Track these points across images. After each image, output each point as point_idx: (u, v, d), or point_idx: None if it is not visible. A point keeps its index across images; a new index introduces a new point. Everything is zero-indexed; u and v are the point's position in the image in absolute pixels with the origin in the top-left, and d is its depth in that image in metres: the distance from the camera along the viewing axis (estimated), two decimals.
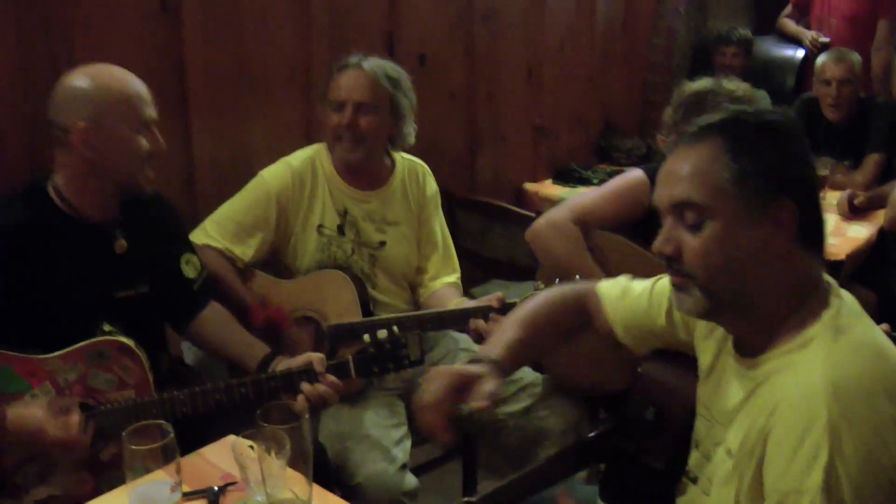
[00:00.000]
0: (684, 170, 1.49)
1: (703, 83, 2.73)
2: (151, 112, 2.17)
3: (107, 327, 2.17)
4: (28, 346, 2.07)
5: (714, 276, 1.48)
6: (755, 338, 1.51)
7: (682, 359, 1.75)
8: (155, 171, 2.21)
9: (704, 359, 1.67)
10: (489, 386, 1.68)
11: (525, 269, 3.53)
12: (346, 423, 2.49)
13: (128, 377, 2.12)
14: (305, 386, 2.17)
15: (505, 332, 1.87)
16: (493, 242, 3.62)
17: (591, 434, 1.83)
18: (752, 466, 1.43)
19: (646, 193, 2.76)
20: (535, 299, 1.95)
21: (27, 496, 2.04)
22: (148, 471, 1.60)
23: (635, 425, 1.74)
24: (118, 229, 2.23)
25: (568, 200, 3.00)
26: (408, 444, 2.55)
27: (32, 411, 1.98)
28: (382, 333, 2.24)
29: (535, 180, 4.40)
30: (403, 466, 2.46)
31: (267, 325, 2.54)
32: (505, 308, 2.51)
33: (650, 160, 4.50)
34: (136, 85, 2.16)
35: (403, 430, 2.58)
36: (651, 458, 1.70)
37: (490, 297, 2.59)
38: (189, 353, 2.71)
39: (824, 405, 1.32)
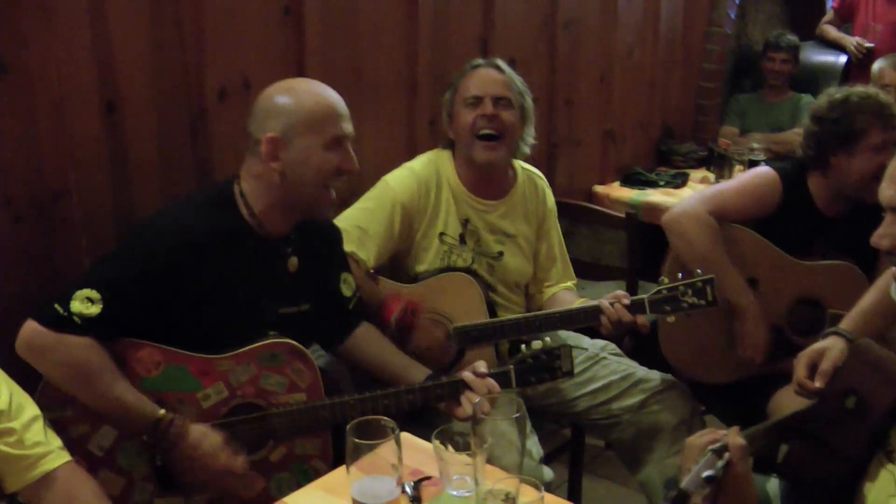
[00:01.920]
0: None
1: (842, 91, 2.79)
2: (345, 128, 2.17)
3: (272, 334, 2.20)
4: (195, 347, 2.11)
5: None
6: None
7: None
8: (338, 191, 2.22)
9: None
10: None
11: (609, 269, 3.61)
12: None
13: (299, 380, 2.16)
14: (469, 394, 2.21)
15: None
16: (577, 244, 3.67)
17: (796, 413, 1.86)
18: None
19: (776, 192, 2.82)
20: None
21: (198, 495, 2.10)
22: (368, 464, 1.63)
23: (833, 412, 1.78)
24: (292, 247, 2.26)
25: (702, 191, 3.05)
26: (535, 438, 2.60)
27: (211, 435, 2.04)
28: (537, 344, 2.30)
29: (603, 183, 4.46)
30: (541, 460, 2.52)
31: (402, 316, 2.56)
32: (638, 305, 2.56)
33: (710, 163, 4.59)
34: (330, 100, 2.18)
35: (529, 425, 2.62)
36: (847, 445, 1.74)
37: (608, 295, 2.62)
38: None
39: None
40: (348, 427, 1.65)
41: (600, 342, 2.92)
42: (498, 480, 1.66)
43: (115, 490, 2.05)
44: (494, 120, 2.66)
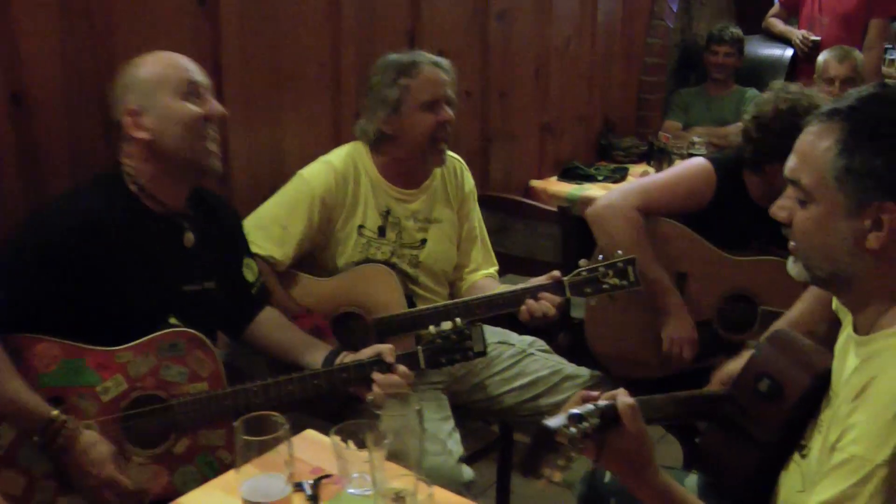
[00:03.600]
0: (802, 149, 1.54)
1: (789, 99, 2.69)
2: (197, 77, 2.16)
3: (173, 320, 2.16)
4: (94, 337, 2.06)
5: (809, 254, 1.56)
6: (864, 318, 1.55)
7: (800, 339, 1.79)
8: (217, 144, 2.19)
9: (842, 331, 1.71)
10: None
11: (544, 264, 3.55)
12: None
13: (201, 369, 2.12)
14: (378, 376, 2.18)
15: None
16: (511, 238, 3.64)
17: (705, 391, 1.84)
18: (837, 431, 1.46)
19: (710, 184, 2.79)
20: None
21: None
22: (257, 462, 1.59)
23: (747, 395, 1.76)
24: (187, 222, 2.23)
25: (629, 184, 3.03)
26: (457, 436, 2.57)
27: (103, 445, 1.99)
28: (447, 325, 2.27)
29: (541, 177, 4.43)
30: (460, 459, 2.48)
31: (312, 333, 2.53)
32: (557, 287, 2.53)
33: (650, 158, 4.58)
34: (172, 57, 2.18)
35: (451, 423, 2.60)
36: (756, 428, 1.72)
37: (544, 276, 2.60)
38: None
39: None
40: (236, 424, 1.61)
41: (528, 338, 2.89)
42: (393, 478, 1.63)
43: (17, 489, 1.99)
44: (449, 125, 2.68)
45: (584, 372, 2.80)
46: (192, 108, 2.12)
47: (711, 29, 5.25)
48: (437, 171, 2.82)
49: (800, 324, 2.29)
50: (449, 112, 2.67)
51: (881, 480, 1.34)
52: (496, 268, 2.98)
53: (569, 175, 4.44)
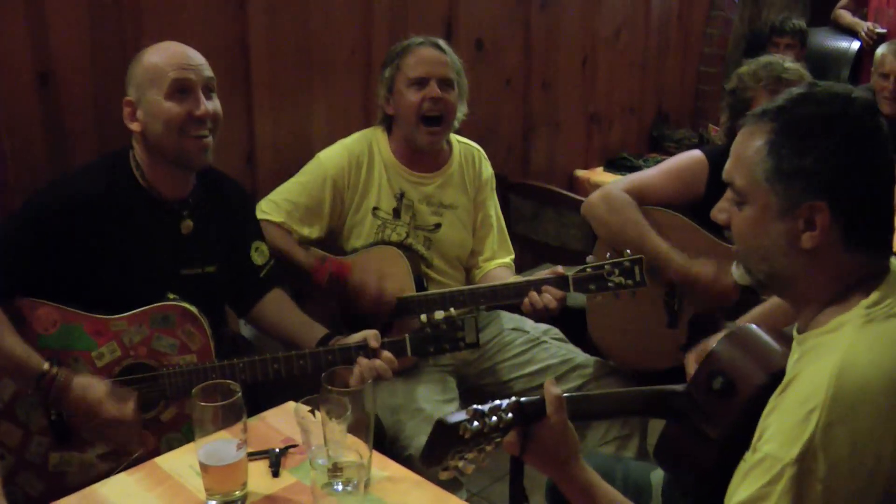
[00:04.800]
0: (736, 150, 1.53)
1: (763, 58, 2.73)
2: (186, 74, 2.17)
3: (172, 297, 2.23)
4: (96, 307, 2.16)
5: (747, 255, 1.55)
6: (803, 317, 1.54)
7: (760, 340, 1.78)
8: (202, 139, 2.19)
9: None
10: None
11: (576, 253, 3.56)
12: (400, 397, 2.55)
13: (190, 342, 2.20)
14: (362, 360, 2.21)
15: None
16: (544, 227, 3.65)
17: (662, 387, 1.84)
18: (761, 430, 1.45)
19: (702, 174, 2.76)
20: None
21: (91, 449, 2.15)
22: (216, 429, 1.67)
23: (701, 392, 1.76)
24: (187, 210, 2.29)
25: (623, 177, 3.01)
26: None
27: (96, 386, 2.08)
28: (439, 314, 2.28)
29: (586, 167, 4.43)
30: None
31: (331, 279, 2.60)
32: (561, 282, 2.54)
33: None
34: (169, 51, 2.20)
35: (455, 405, 2.63)
36: (709, 426, 1.72)
37: (546, 270, 2.61)
38: (245, 328, 2.78)
39: (826, 385, 1.33)
40: (193, 391, 1.68)
41: (544, 326, 2.90)
42: (348, 450, 1.68)
43: (13, 441, 2.12)
44: (440, 102, 2.67)
45: (594, 362, 2.80)
46: (174, 107, 2.14)
47: (773, 20, 5.14)
48: (455, 157, 2.85)
49: (770, 316, 2.26)
50: (436, 90, 2.66)
51: (790, 479, 1.32)
52: (512, 256, 2.99)
53: (615, 166, 4.42)
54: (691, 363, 2.04)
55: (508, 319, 2.92)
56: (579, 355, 2.82)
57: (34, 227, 2.13)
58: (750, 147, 1.50)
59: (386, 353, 2.23)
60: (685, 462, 1.82)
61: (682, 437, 1.82)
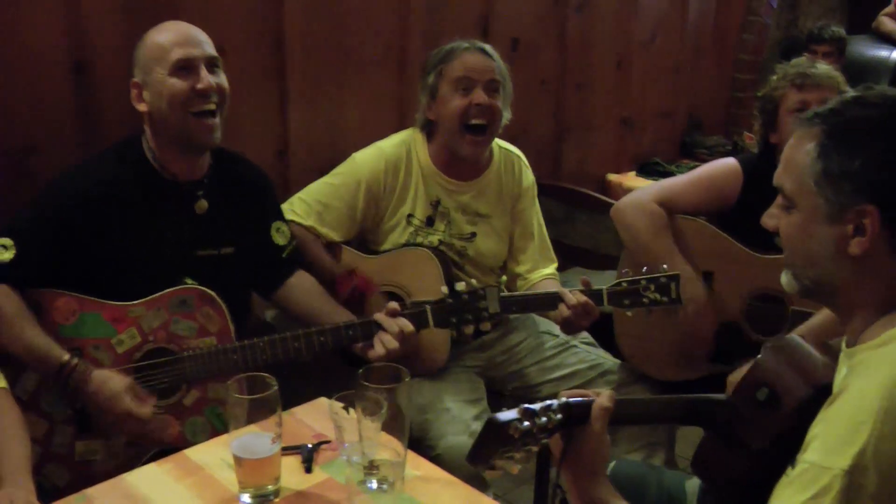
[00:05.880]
0: (786, 155, 1.51)
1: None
2: (188, 51, 2.16)
3: (189, 281, 2.23)
4: (114, 294, 2.16)
5: (794, 261, 1.53)
6: (851, 329, 1.51)
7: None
8: (207, 119, 2.18)
9: None
10: None
11: (608, 257, 3.53)
12: (427, 396, 2.53)
13: (209, 325, 2.19)
14: (383, 333, 2.21)
15: None
16: (576, 230, 3.62)
17: (704, 396, 1.81)
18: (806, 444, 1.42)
19: (736, 182, 2.73)
20: None
21: (117, 436, 2.15)
22: (250, 421, 1.65)
23: (744, 402, 1.73)
24: (202, 190, 2.29)
25: (656, 182, 2.97)
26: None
27: (115, 379, 2.08)
28: (461, 286, 2.25)
29: (618, 171, 4.40)
30: None
31: (353, 293, 2.57)
32: (595, 296, 2.47)
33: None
34: (171, 30, 2.20)
35: (483, 405, 2.61)
36: (751, 436, 1.69)
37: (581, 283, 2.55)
38: (267, 314, 2.77)
39: (878, 398, 1.30)
40: (228, 383, 1.66)
41: None
42: (382, 448, 1.66)
43: (39, 433, 2.11)
44: (486, 109, 2.59)
45: (621, 367, 2.77)
46: (177, 83, 2.14)
47: (811, 27, 5.08)
48: (494, 165, 2.78)
49: (820, 331, 2.22)
50: (483, 95, 2.58)
51: (839, 492, 1.28)
52: (555, 265, 2.92)
53: (648, 171, 4.39)
54: (732, 387, 2.01)
55: (540, 322, 2.88)
56: (607, 361, 2.79)
57: (50, 217, 2.15)
58: (800, 151, 1.47)
59: (402, 319, 2.22)
60: (724, 472, 1.79)
61: (721, 447, 1.79)
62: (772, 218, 1.57)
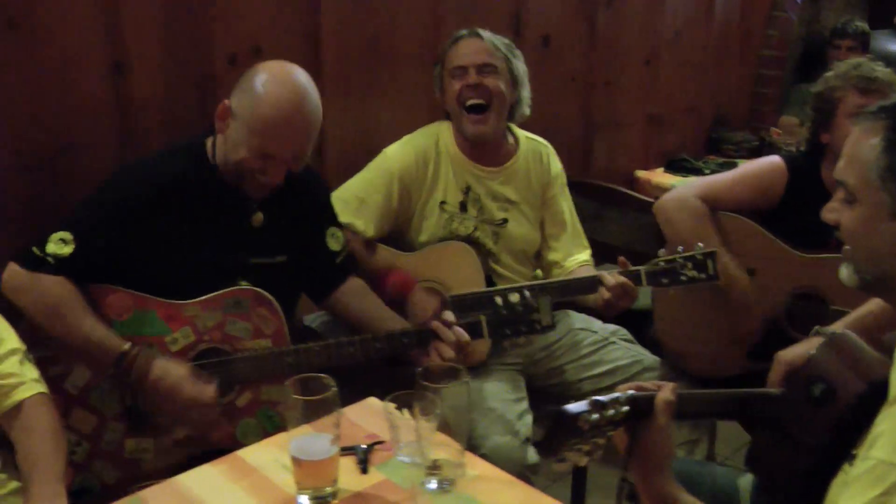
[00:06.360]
0: (848, 149, 1.50)
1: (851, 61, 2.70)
2: (278, 150, 2.11)
3: (243, 283, 2.22)
4: (166, 293, 2.16)
5: (856, 255, 1.52)
6: None
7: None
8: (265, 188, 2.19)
9: None
10: None
11: (639, 254, 3.50)
12: (471, 395, 2.51)
13: (265, 326, 2.18)
14: (439, 343, 2.20)
15: None
16: (607, 227, 3.61)
17: (756, 390, 1.80)
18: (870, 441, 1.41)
19: (780, 180, 2.72)
20: None
21: (167, 435, 2.15)
22: (308, 422, 1.63)
23: (799, 398, 1.72)
24: (259, 202, 2.26)
25: (699, 179, 2.97)
26: (529, 418, 2.57)
27: (176, 367, 2.08)
28: (514, 297, 2.25)
29: (646, 168, 4.38)
30: (526, 440, 2.49)
31: (395, 290, 2.57)
32: (633, 275, 2.50)
33: (761, 154, 4.45)
34: (283, 116, 2.09)
35: (525, 404, 2.61)
36: (806, 432, 1.68)
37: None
38: (307, 318, 2.77)
39: None
40: (287, 383, 1.65)
41: (611, 326, 2.87)
42: (439, 448, 1.65)
43: (88, 428, 2.12)
44: (479, 88, 2.63)
45: (661, 364, 2.76)
46: (253, 160, 2.11)
47: (836, 22, 5.05)
48: (521, 153, 2.80)
49: (863, 325, 2.21)
50: (472, 76, 2.62)
51: None
52: (589, 251, 2.93)
53: (675, 167, 4.37)
54: (779, 373, 1.99)
55: (577, 319, 2.88)
56: (647, 357, 2.79)
57: (112, 213, 2.13)
58: (863, 145, 1.46)
59: (458, 329, 2.21)
60: (778, 468, 1.78)
61: (775, 443, 1.78)
62: (832, 212, 1.56)
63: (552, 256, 2.87)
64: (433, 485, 1.65)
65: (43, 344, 2.07)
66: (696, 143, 4.74)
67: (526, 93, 2.74)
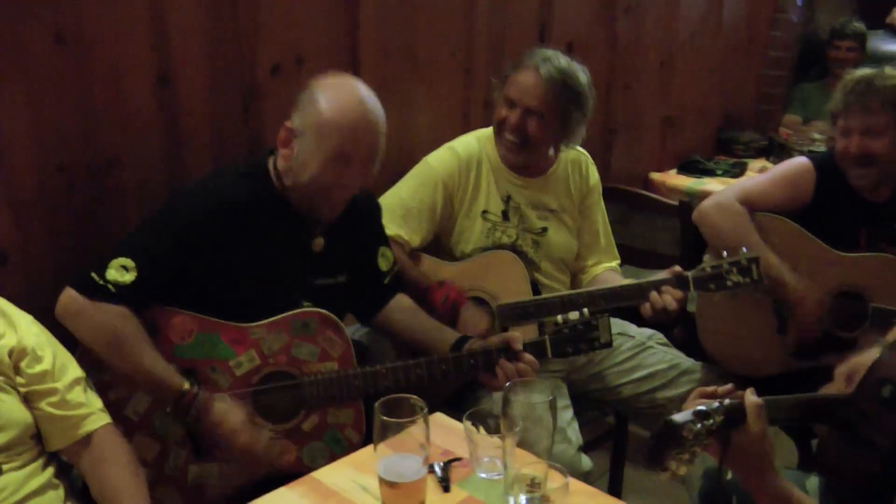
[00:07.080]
0: None
1: (866, 70, 2.72)
2: (356, 150, 2.12)
3: (307, 304, 2.21)
4: (228, 315, 2.13)
5: None
6: None
7: None
8: (343, 201, 2.20)
9: None
10: None
11: (665, 258, 3.54)
12: None
13: (331, 349, 2.17)
14: (504, 363, 2.20)
15: None
16: (631, 230, 3.63)
17: (824, 394, 1.82)
18: None
19: (809, 180, 2.77)
20: None
21: (231, 461, 2.13)
22: (396, 443, 1.62)
23: (868, 400, 1.74)
24: (320, 227, 2.26)
25: (733, 184, 3.01)
26: (576, 425, 2.59)
27: (235, 414, 2.06)
28: (574, 315, 2.28)
29: (660, 170, 4.42)
30: (579, 448, 2.51)
31: (445, 304, 2.58)
32: (681, 281, 2.53)
33: (770, 153, 4.51)
34: (353, 115, 2.11)
35: (570, 411, 2.63)
36: (876, 434, 1.70)
37: (665, 271, 2.59)
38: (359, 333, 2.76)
39: None
40: (377, 404, 1.65)
41: (648, 331, 2.90)
42: (525, 464, 1.66)
43: (150, 455, 2.09)
44: (519, 131, 2.65)
45: (701, 367, 2.80)
46: (328, 174, 2.11)
47: (834, 23, 5.12)
48: (561, 161, 2.83)
49: None
50: (516, 118, 2.64)
51: None
52: (618, 261, 2.98)
53: (688, 168, 4.41)
54: (841, 378, 2.02)
55: (613, 324, 2.86)
56: (685, 360, 2.83)
57: (176, 235, 2.10)
58: None
59: (527, 356, 2.22)
60: (847, 470, 1.80)
61: (844, 446, 1.80)
62: None
63: (581, 262, 2.92)
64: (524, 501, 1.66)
65: (98, 368, 2.05)
66: (707, 144, 4.79)
67: (578, 135, 2.75)
